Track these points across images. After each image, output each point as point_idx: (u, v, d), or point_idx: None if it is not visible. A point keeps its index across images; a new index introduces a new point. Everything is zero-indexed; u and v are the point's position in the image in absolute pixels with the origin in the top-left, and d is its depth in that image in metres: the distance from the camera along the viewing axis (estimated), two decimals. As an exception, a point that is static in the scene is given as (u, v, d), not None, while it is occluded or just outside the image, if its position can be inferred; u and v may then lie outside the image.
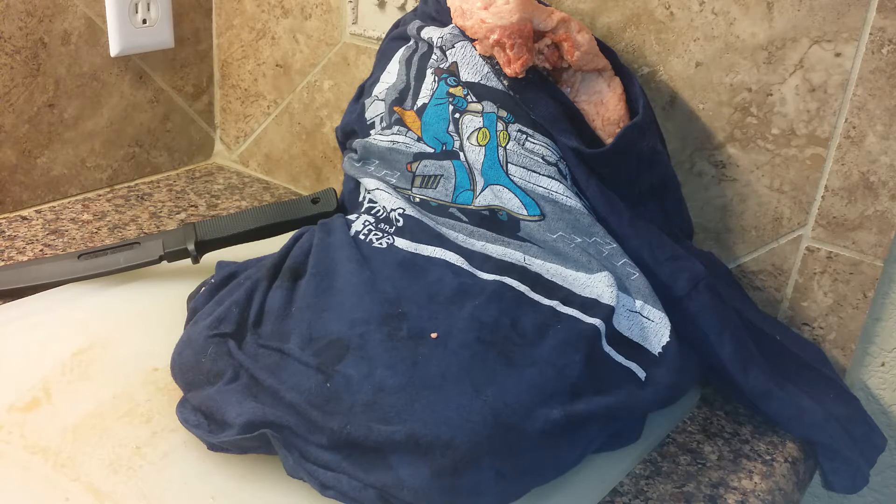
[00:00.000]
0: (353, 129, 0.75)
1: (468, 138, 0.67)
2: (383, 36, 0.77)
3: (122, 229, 0.89)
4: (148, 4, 0.94)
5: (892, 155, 0.65)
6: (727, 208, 0.73)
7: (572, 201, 0.64)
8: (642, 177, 0.67)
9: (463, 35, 0.68)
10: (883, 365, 0.71)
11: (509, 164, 0.66)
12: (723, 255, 0.74)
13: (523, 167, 0.66)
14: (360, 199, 0.71)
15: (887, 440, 0.69)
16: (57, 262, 0.75)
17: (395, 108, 0.71)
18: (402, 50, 0.72)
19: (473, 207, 0.67)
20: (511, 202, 0.66)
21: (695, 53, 0.71)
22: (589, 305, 0.60)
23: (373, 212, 0.69)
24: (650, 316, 0.61)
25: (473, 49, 0.67)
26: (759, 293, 0.74)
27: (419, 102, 0.69)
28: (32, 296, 0.72)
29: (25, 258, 0.81)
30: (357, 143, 0.73)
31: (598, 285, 0.61)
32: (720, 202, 0.73)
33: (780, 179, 0.70)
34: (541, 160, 0.66)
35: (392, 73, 0.72)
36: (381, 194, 0.69)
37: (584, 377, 0.56)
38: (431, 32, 0.70)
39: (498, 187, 0.66)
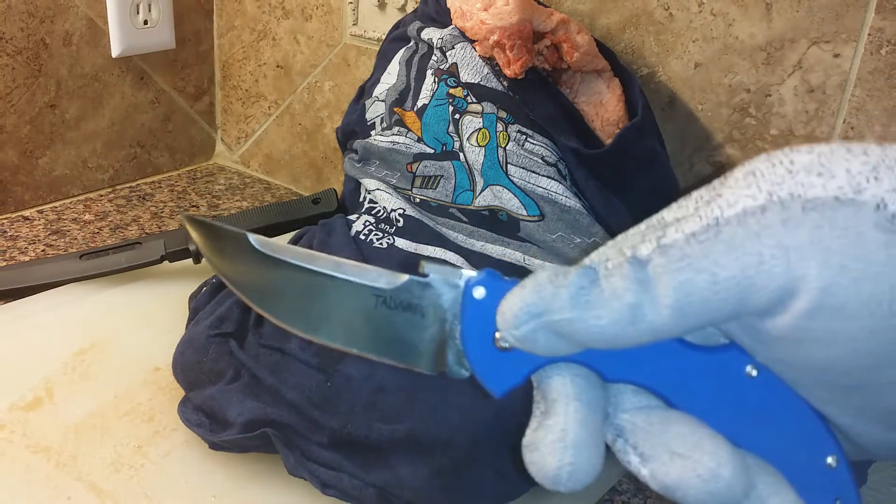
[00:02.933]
0: (353, 129, 0.75)
1: (468, 139, 0.67)
2: (383, 37, 0.77)
3: (124, 229, 0.89)
4: (149, 5, 0.95)
5: (891, 155, 0.65)
6: (726, 209, 0.73)
7: (572, 202, 0.65)
8: (642, 177, 0.68)
9: (463, 36, 0.68)
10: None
11: (509, 165, 0.66)
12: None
13: (523, 167, 0.66)
14: (361, 199, 0.71)
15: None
16: (59, 262, 0.75)
17: (396, 109, 0.71)
18: (402, 51, 0.73)
19: (473, 208, 0.67)
20: (511, 202, 0.66)
21: (694, 54, 0.71)
22: (588, 305, 0.60)
23: (373, 212, 0.69)
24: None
25: (473, 50, 0.68)
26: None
27: (419, 103, 0.69)
28: (34, 296, 0.73)
29: (27, 258, 0.81)
30: (357, 143, 0.73)
31: (598, 285, 0.62)
32: (719, 202, 0.74)
33: (778, 180, 0.70)
34: (540, 160, 0.66)
35: (392, 74, 0.72)
36: (382, 195, 0.69)
37: (584, 377, 0.56)
38: (431, 33, 0.70)
39: (498, 188, 0.66)
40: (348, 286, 0.30)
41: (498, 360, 0.29)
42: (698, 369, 0.27)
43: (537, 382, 0.29)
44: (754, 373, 0.27)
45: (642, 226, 0.28)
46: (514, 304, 0.27)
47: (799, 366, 0.26)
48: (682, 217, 0.27)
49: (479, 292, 0.29)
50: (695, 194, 0.28)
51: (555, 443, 0.27)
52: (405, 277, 0.30)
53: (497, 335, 0.28)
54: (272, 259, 0.31)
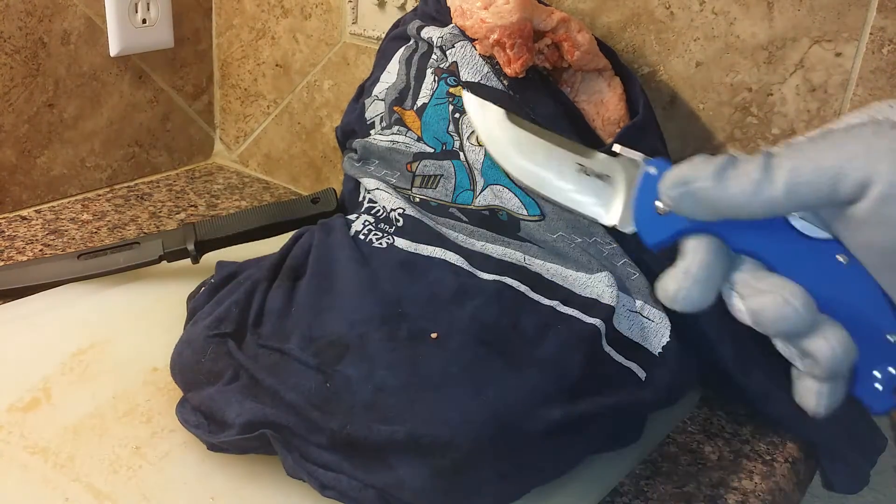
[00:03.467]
0: (352, 128, 0.75)
1: (468, 138, 0.67)
2: (383, 36, 0.77)
3: (122, 229, 0.89)
4: (147, 4, 0.94)
5: (893, 155, 0.65)
6: (727, 208, 0.73)
7: (572, 201, 0.64)
8: (642, 177, 0.67)
9: (463, 35, 0.68)
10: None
11: (509, 164, 0.66)
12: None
13: (523, 167, 0.66)
14: (360, 198, 0.71)
15: (888, 440, 0.68)
16: (56, 262, 0.75)
17: (395, 108, 0.71)
18: (401, 50, 0.72)
19: (473, 207, 0.67)
20: (511, 202, 0.66)
21: (695, 53, 0.71)
22: (589, 305, 0.60)
23: (373, 212, 0.68)
24: (650, 316, 0.61)
25: (473, 49, 0.67)
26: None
27: (419, 102, 0.69)
28: (32, 296, 0.72)
29: (25, 258, 0.81)
30: (357, 142, 0.73)
31: (599, 285, 0.61)
32: (720, 202, 0.73)
33: (780, 179, 0.70)
34: (541, 160, 0.65)
35: (392, 73, 0.72)
36: (381, 194, 0.69)
37: (585, 377, 0.56)
38: (431, 32, 0.70)
39: (498, 187, 0.66)
40: (563, 157, 0.41)
41: (656, 221, 0.38)
42: (803, 251, 0.35)
43: (681, 244, 0.38)
44: (844, 260, 0.35)
45: None
46: (672, 174, 0.37)
47: (874, 249, 0.34)
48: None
49: (652, 170, 0.38)
50: None
51: (679, 272, 0.37)
52: (600, 155, 0.40)
53: (658, 203, 0.38)
54: (519, 134, 0.43)
